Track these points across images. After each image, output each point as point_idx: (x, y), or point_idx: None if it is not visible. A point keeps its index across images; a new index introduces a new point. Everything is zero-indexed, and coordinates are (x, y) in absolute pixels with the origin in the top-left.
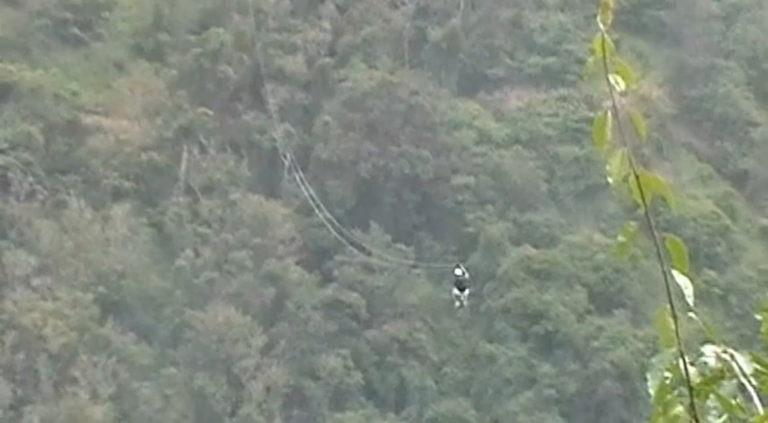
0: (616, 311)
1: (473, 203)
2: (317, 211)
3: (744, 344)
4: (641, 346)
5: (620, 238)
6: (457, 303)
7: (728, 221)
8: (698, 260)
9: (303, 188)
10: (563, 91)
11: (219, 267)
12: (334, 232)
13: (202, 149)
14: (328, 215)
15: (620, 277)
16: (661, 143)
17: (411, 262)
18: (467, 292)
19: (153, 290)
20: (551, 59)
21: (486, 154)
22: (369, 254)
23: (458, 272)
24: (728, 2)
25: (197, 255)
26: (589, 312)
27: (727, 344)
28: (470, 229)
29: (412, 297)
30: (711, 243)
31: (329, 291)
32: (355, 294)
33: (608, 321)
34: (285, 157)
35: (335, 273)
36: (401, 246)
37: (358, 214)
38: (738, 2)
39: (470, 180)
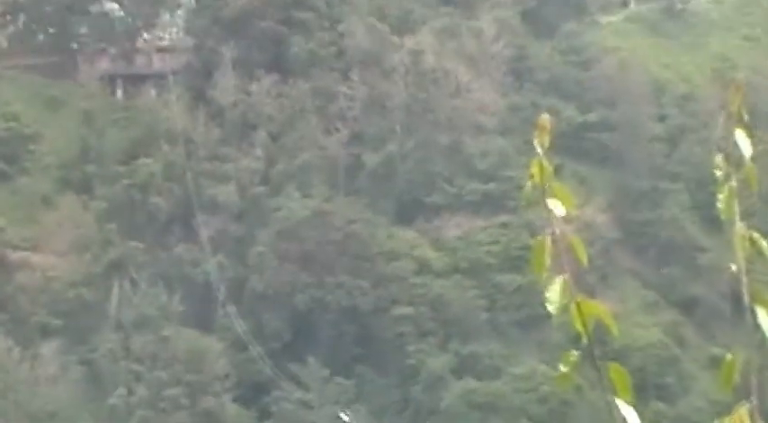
0: None
1: (414, 335)
2: (250, 346)
3: None
4: None
5: (562, 369)
6: None
7: (677, 350)
8: (646, 391)
9: (236, 323)
10: (504, 217)
11: (153, 405)
12: (269, 368)
13: (133, 284)
14: (259, 351)
15: (566, 409)
16: (605, 270)
17: None
18: None
19: None
20: (491, 185)
21: (425, 284)
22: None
23: (344, 417)
24: (673, 123)
25: (130, 392)
26: None
27: None
28: (412, 361)
29: None
30: (660, 373)
31: None
32: None
33: None
34: (218, 290)
35: (273, 409)
36: (340, 379)
37: (295, 347)
38: (682, 123)
39: (410, 311)
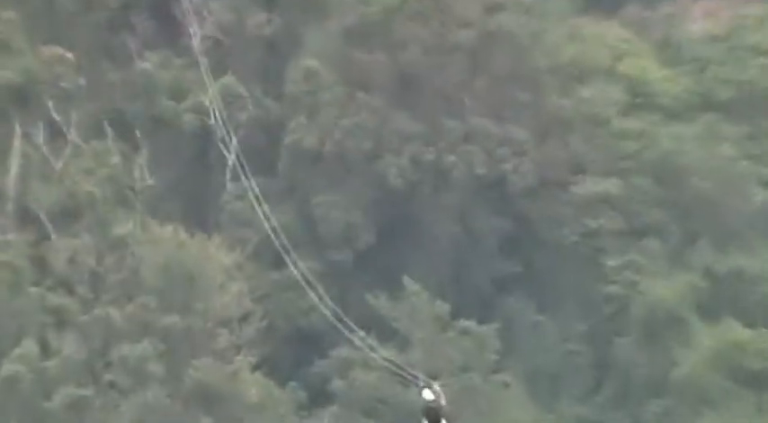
0: None
1: (621, 234)
2: (287, 260)
3: None
4: None
5: None
6: None
7: None
8: None
9: (259, 210)
10: None
11: (96, 380)
12: (325, 307)
13: (54, 129)
14: (302, 273)
15: None
16: None
17: None
18: None
19: None
20: None
21: (642, 130)
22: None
23: (426, 394)
24: None
25: (44, 348)
26: None
27: None
28: (615, 288)
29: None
30: None
31: (324, 420)
32: None
33: None
34: (225, 146)
35: (334, 385)
36: (468, 322)
37: (381, 259)
38: None
39: (613, 185)
